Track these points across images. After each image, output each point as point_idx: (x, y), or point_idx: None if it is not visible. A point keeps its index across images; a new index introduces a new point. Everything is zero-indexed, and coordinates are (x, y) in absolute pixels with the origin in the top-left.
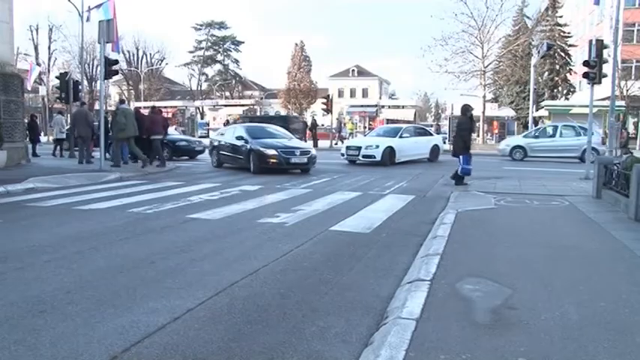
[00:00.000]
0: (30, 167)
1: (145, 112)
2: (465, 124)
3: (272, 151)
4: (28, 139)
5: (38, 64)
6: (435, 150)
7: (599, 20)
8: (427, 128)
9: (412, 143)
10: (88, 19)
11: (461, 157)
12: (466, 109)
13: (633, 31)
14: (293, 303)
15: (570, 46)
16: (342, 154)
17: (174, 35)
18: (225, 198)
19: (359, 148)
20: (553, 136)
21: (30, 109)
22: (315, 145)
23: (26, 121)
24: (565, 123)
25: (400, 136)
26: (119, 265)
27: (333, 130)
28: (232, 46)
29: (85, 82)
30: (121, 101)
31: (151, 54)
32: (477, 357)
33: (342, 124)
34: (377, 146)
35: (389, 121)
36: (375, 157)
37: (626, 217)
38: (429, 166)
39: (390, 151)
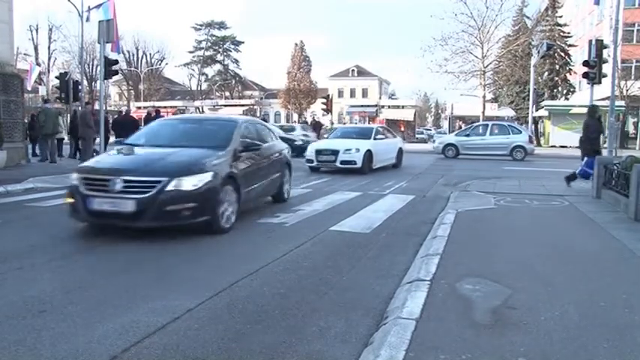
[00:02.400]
0: (30, 167)
1: (141, 113)
2: (593, 127)
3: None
4: (28, 139)
5: (38, 64)
6: (400, 154)
7: (599, 20)
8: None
9: (385, 146)
10: (88, 19)
11: (586, 157)
12: (594, 110)
13: (633, 31)
14: (293, 303)
15: (570, 46)
16: (310, 161)
17: (174, 35)
18: None
19: (335, 153)
20: (483, 134)
21: (30, 109)
22: None
23: (26, 120)
24: (495, 122)
25: (374, 138)
26: (119, 264)
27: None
28: (232, 46)
29: (85, 82)
30: (45, 101)
31: (150, 54)
32: (477, 357)
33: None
34: (357, 150)
35: (389, 121)
36: (355, 163)
37: (626, 217)
38: (427, 166)
39: (369, 156)
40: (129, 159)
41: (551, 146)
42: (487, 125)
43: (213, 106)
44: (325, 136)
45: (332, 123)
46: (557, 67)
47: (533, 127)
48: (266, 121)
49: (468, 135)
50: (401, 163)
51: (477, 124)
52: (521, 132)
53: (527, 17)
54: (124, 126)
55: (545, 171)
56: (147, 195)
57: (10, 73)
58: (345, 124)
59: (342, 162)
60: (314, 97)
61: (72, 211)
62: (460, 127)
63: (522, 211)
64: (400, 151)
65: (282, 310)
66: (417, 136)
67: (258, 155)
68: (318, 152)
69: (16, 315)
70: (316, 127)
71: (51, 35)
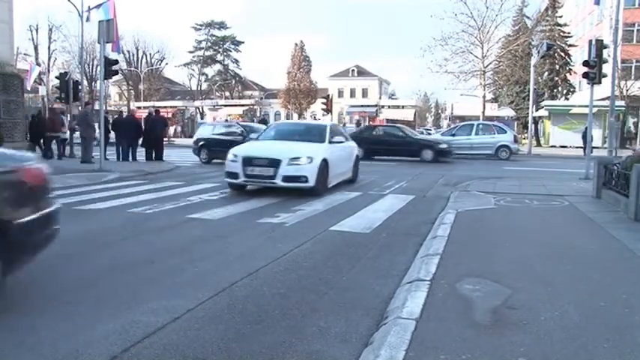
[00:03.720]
0: None
1: (144, 112)
2: None
3: None
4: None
5: (38, 64)
6: (356, 163)
7: (599, 20)
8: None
9: (342, 153)
10: (88, 19)
11: None
12: None
13: (633, 31)
14: (293, 303)
15: (570, 46)
16: (232, 175)
17: (174, 35)
18: (225, 198)
19: (275, 163)
20: (469, 134)
21: (30, 109)
22: None
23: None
24: (480, 122)
25: (330, 141)
26: (119, 265)
27: None
28: (232, 46)
29: (85, 82)
30: None
31: (150, 54)
32: (477, 357)
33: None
34: (310, 159)
35: (389, 121)
36: (306, 180)
37: (626, 217)
38: (428, 166)
39: (324, 168)
40: None
41: (552, 146)
42: (472, 125)
43: (213, 106)
44: (253, 136)
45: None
46: (557, 67)
47: (533, 127)
48: (266, 122)
49: (453, 135)
50: (357, 177)
51: (463, 123)
52: (506, 132)
53: (527, 17)
54: (124, 126)
55: (546, 171)
56: None
57: (10, 73)
58: (344, 124)
59: (287, 178)
60: (314, 97)
61: None
62: (449, 127)
63: (522, 211)
64: (357, 159)
65: (282, 310)
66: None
67: None
68: (247, 162)
69: (16, 315)
70: None
71: (51, 35)
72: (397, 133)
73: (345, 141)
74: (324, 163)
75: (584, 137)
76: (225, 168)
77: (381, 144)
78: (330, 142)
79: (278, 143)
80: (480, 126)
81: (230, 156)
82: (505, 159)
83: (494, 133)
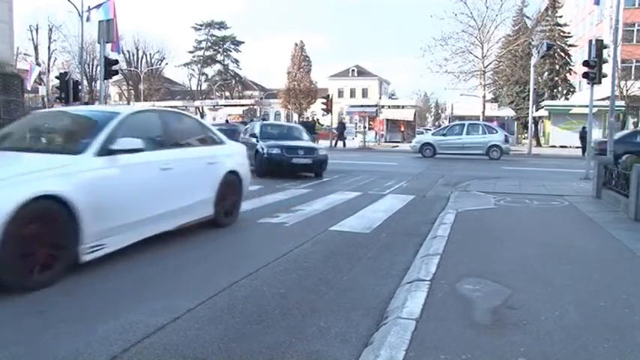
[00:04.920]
0: None
1: None
2: None
3: None
4: None
5: (38, 64)
6: (234, 188)
7: (599, 20)
8: (203, 122)
9: (154, 172)
10: (88, 19)
11: None
12: None
13: (633, 31)
14: (293, 303)
15: (570, 46)
16: None
17: (174, 35)
18: None
19: None
20: (460, 134)
21: (30, 109)
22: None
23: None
24: (471, 122)
25: (110, 150)
26: (118, 265)
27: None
28: (232, 46)
29: (85, 82)
30: None
31: (150, 54)
32: (477, 357)
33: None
34: None
35: (388, 121)
36: None
37: (626, 217)
38: (425, 166)
39: (46, 218)
40: None
41: (552, 146)
42: (463, 125)
43: (214, 106)
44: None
45: (321, 124)
46: (557, 67)
47: (533, 127)
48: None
49: (444, 134)
50: (236, 213)
51: (453, 123)
52: (497, 132)
53: (527, 17)
54: None
55: (545, 171)
56: None
57: (10, 73)
58: (343, 121)
59: None
60: (314, 97)
61: None
62: (438, 126)
63: (522, 211)
64: (234, 179)
65: (282, 310)
66: (417, 135)
67: None
68: None
69: (16, 315)
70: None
71: (51, 35)
72: None
73: (153, 149)
74: (53, 206)
75: (582, 137)
76: None
77: None
78: (110, 153)
79: None
80: (471, 126)
81: None
82: (496, 159)
83: (485, 133)
